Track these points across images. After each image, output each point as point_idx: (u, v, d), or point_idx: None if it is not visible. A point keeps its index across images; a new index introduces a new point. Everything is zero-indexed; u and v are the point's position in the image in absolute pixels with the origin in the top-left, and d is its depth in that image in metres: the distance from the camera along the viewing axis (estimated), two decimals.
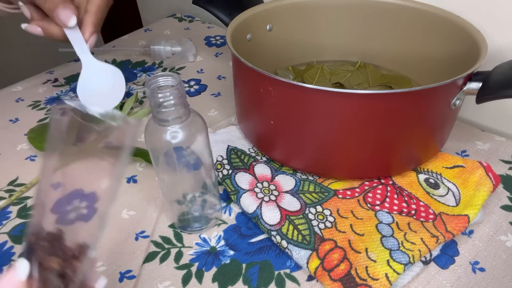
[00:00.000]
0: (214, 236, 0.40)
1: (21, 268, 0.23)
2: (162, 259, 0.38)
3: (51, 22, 0.43)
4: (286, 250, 0.37)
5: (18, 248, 0.40)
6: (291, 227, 0.38)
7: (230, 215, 0.42)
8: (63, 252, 0.25)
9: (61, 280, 0.24)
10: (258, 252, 0.38)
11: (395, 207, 0.40)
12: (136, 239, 0.40)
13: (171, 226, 0.41)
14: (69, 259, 0.24)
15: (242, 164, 0.45)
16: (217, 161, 0.45)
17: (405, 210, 0.40)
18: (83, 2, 0.43)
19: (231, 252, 0.38)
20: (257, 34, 0.50)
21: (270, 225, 0.38)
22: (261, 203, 0.40)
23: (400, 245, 0.36)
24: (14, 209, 0.44)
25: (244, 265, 0.37)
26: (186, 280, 0.36)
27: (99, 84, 0.44)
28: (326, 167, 0.42)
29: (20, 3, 0.44)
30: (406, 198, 0.41)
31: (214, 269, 0.37)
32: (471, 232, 0.39)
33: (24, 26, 0.44)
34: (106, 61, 0.43)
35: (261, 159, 0.46)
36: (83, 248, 0.26)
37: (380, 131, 0.38)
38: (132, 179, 0.47)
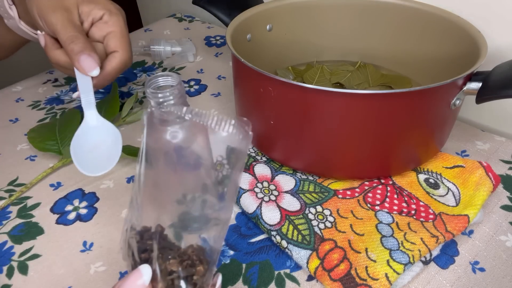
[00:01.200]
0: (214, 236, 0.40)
1: (145, 272, 0.25)
2: None
3: (59, 47, 0.41)
4: (286, 250, 0.37)
5: (18, 248, 0.40)
6: (291, 227, 0.38)
7: None
8: (179, 254, 0.27)
9: (186, 283, 0.25)
10: (258, 252, 0.38)
11: (395, 207, 0.40)
12: None
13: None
14: (185, 260, 0.26)
15: None
16: (217, 161, 0.45)
17: (405, 210, 0.40)
18: (99, 50, 0.42)
19: (231, 252, 0.38)
20: (257, 34, 0.50)
21: (270, 225, 0.38)
22: (261, 203, 0.40)
23: (400, 245, 0.36)
24: (14, 209, 0.44)
25: (244, 265, 0.37)
26: None
27: (95, 143, 0.39)
28: (326, 167, 0.42)
29: (39, 32, 0.42)
30: (406, 198, 0.41)
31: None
32: (471, 232, 0.39)
33: (39, 32, 0.42)
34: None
35: (261, 159, 0.46)
36: (198, 250, 0.27)
37: (380, 131, 0.38)
38: (132, 179, 0.47)
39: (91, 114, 0.39)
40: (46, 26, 0.40)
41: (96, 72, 0.38)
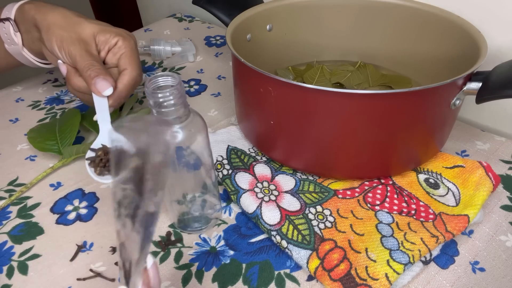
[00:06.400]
0: (214, 236, 0.40)
1: None
2: (162, 259, 0.38)
3: (79, 75, 0.45)
4: (286, 250, 0.37)
5: (18, 248, 0.40)
6: (291, 227, 0.38)
7: (230, 215, 0.42)
8: None
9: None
10: (258, 252, 0.38)
11: (395, 207, 0.40)
12: None
13: (171, 226, 0.41)
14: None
15: (242, 164, 0.45)
16: (217, 161, 0.45)
17: (405, 210, 0.40)
18: (114, 74, 0.46)
19: (231, 252, 0.38)
20: (257, 34, 0.50)
21: (270, 225, 0.38)
22: (261, 203, 0.40)
23: (400, 245, 0.36)
24: (14, 209, 0.44)
25: (244, 265, 0.37)
26: (186, 280, 0.36)
27: None
28: (326, 167, 0.42)
29: (59, 61, 0.46)
30: (406, 198, 0.41)
31: (214, 269, 0.37)
32: (471, 232, 0.39)
33: (59, 61, 0.46)
34: None
35: (261, 159, 0.46)
36: None
37: (380, 131, 0.38)
38: None
39: (105, 129, 0.44)
40: (66, 56, 0.45)
41: (109, 91, 0.43)
